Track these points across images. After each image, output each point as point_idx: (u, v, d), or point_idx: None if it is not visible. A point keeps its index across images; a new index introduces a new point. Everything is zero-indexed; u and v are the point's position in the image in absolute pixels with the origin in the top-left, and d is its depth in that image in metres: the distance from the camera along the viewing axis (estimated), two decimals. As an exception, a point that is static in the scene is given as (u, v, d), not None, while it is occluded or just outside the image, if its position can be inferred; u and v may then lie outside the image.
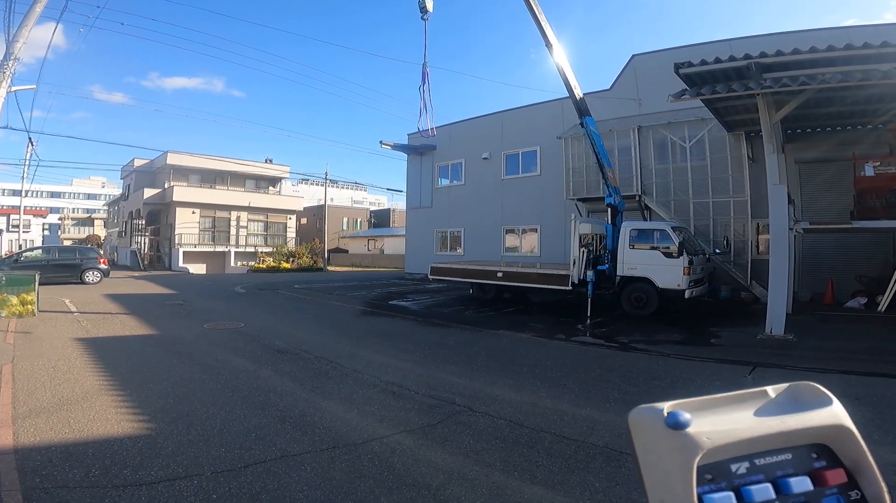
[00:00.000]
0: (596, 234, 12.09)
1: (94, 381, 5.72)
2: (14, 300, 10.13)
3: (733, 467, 0.68)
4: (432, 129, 12.32)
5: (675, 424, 0.67)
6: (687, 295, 9.98)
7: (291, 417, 4.62)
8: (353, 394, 5.39)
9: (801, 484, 0.70)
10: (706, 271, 11.50)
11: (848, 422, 0.74)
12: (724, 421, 0.72)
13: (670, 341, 8.02)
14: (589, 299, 10.57)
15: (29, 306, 10.32)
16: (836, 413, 0.75)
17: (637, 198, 14.30)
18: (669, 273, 10.09)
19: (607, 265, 11.15)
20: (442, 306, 12.99)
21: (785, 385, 0.76)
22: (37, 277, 10.82)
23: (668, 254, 10.19)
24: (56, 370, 6.14)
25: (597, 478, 3.36)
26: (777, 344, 7.54)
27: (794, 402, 0.75)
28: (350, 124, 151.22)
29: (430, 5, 12.34)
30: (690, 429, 0.69)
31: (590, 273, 10.68)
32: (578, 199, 15.82)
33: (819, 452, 0.75)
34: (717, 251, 12.17)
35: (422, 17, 12.51)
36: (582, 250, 11.16)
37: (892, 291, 10.50)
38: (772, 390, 0.76)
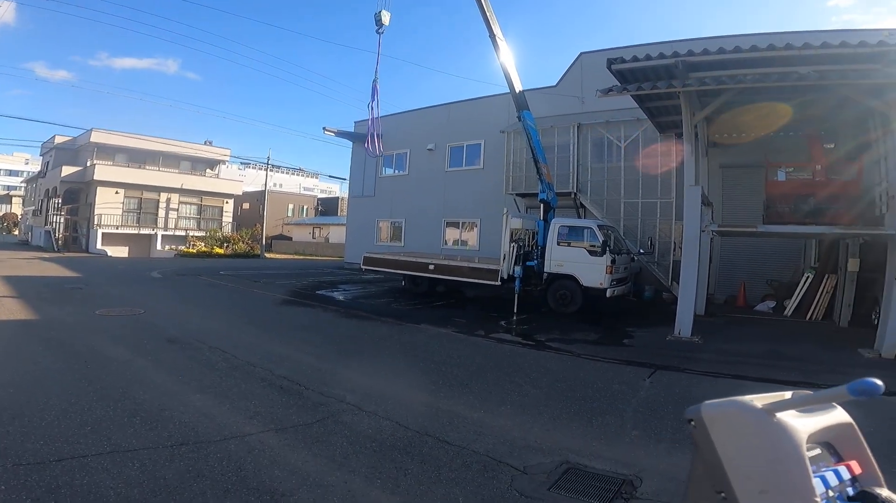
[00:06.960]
0: (528, 230, 12.02)
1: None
2: None
3: None
4: (380, 150, 12.02)
5: (868, 391, 0.72)
6: (609, 294, 10.03)
7: (146, 411, 4.11)
8: (233, 388, 4.90)
9: (844, 473, 0.83)
10: (630, 271, 11.67)
11: (851, 420, 0.93)
12: (792, 415, 0.81)
13: (585, 341, 7.96)
14: (516, 295, 10.46)
15: None
16: (843, 414, 0.92)
17: (573, 195, 14.38)
18: (593, 271, 10.11)
19: (536, 261, 11.08)
20: (371, 297, 12.54)
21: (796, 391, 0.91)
22: None
23: (593, 253, 10.21)
24: None
25: (463, 492, 3.07)
26: (683, 346, 7.62)
27: (810, 408, 0.86)
28: (300, 109, 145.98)
29: (385, 19, 11.85)
30: (789, 420, 0.79)
31: (517, 269, 10.58)
32: (518, 195, 15.78)
33: (829, 449, 0.89)
34: (641, 251, 12.40)
35: (376, 31, 12.02)
36: (512, 245, 11.03)
37: (799, 297, 11.05)
38: (790, 394, 0.89)
